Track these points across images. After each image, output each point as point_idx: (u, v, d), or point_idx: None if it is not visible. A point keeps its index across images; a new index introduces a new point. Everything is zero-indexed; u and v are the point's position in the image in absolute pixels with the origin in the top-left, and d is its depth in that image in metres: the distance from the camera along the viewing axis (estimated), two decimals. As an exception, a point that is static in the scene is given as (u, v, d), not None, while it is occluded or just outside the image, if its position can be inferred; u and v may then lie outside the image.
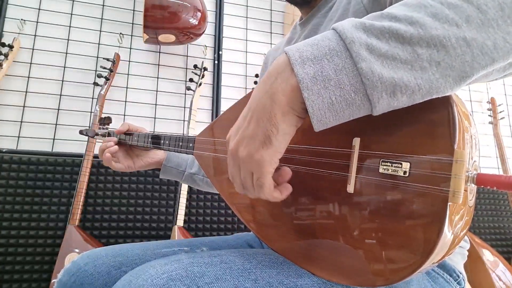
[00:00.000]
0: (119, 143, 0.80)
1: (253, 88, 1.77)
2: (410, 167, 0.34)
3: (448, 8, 0.31)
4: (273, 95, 0.34)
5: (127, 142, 0.80)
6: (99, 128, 0.93)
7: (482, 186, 0.32)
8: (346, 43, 0.31)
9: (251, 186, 0.38)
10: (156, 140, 0.74)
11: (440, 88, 0.31)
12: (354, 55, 0.30)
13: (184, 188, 1.47)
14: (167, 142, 0.71)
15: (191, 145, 0.66)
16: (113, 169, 0.78)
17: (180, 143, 0.68)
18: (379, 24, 0.31)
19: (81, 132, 0.93)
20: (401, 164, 0.35)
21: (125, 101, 1.61)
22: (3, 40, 1.44)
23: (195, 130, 1.55)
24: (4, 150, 1.36)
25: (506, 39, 0.31)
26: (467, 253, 0.53)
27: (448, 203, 0.31)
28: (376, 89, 0.30)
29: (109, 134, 0.87)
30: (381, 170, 0.36)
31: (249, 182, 0.38)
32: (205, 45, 1.75)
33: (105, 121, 0.94)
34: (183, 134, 1.65)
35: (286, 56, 0.34)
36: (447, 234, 0.31)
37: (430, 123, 0.34)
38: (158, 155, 0.82)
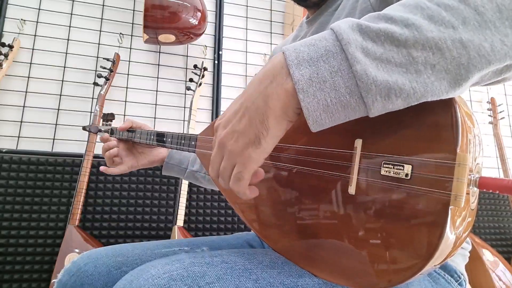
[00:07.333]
0: (123, 140, 0.81)
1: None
2: (412, 170, 0.34)
3: (445, 10, 0.30)
4: (267, 98, 0.34)
5: (131, 139, 0.80)
6: (102, 124, 0.93)
7: (484, 190, 0.31)
8: (342, 45, 0.31)
9: (227, 177, 0.39)
10: (159, 138, 0.74)
11: (435, 92, 0.31)
12: (350, 57, 0.30)
13: (184, 188, 1.47)
14: (169, 139, 0.72)
15: (193, 143, 0.66)
16: (114, 174, 0.78)
17: (183, 141, 0.68)
18: (375, 26, 0.31)
19: (84, 128, 0.93)
20: (403, 166, 0.34)
21: (125, 101, 1.61)
22: (3, 40, 1.44)
23: (195, 130, 1.54)
24: (4, 150, 1.36)
25: (503, 41, 0.30)
26: (468, 254, 0.53)
27: (450, 207, 0.31)
28: (370, 92, 0.30)
29: (112, 130, 0.86)
30: (382, 172, 0.36)
31: (227, 172, 0.39)
32: (205, 45, 1.75)
33: (108, 117, 0.94)
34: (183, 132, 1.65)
35: (283, 56, 0.34)
36: (449, 237, 0.31)
37: (433, 125, 0.33)
38: (161, 152, 0.83)
